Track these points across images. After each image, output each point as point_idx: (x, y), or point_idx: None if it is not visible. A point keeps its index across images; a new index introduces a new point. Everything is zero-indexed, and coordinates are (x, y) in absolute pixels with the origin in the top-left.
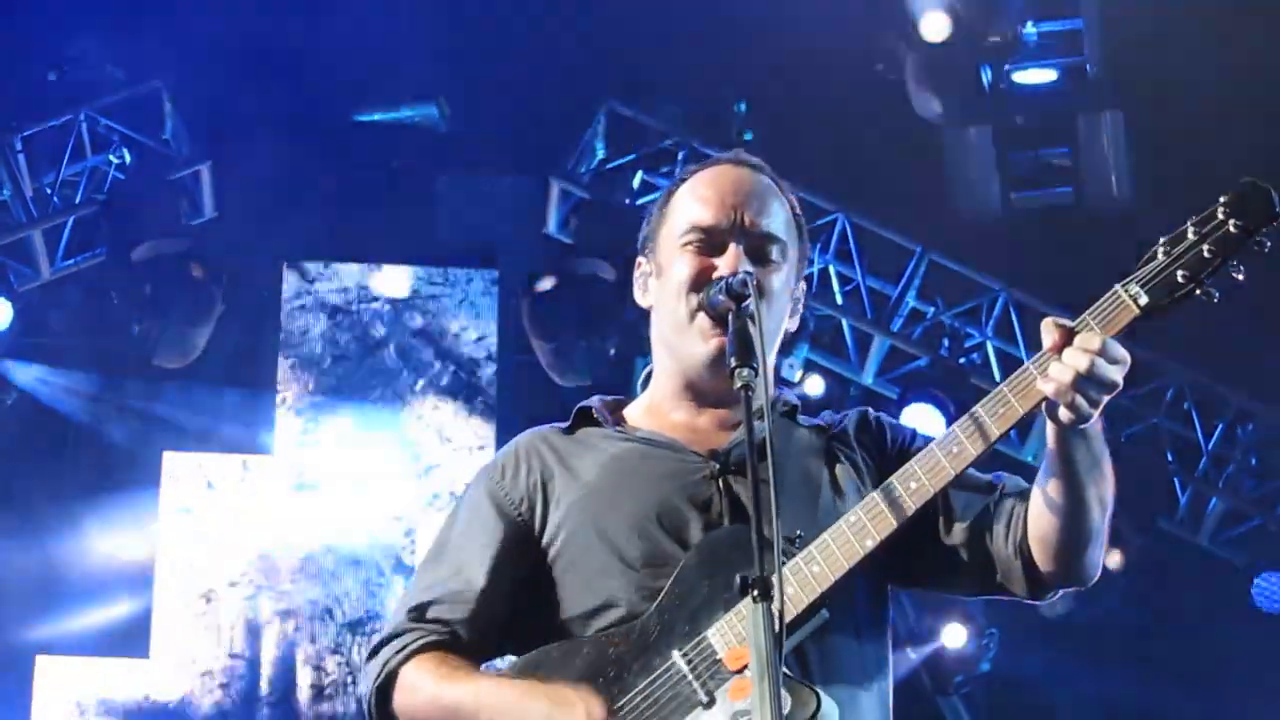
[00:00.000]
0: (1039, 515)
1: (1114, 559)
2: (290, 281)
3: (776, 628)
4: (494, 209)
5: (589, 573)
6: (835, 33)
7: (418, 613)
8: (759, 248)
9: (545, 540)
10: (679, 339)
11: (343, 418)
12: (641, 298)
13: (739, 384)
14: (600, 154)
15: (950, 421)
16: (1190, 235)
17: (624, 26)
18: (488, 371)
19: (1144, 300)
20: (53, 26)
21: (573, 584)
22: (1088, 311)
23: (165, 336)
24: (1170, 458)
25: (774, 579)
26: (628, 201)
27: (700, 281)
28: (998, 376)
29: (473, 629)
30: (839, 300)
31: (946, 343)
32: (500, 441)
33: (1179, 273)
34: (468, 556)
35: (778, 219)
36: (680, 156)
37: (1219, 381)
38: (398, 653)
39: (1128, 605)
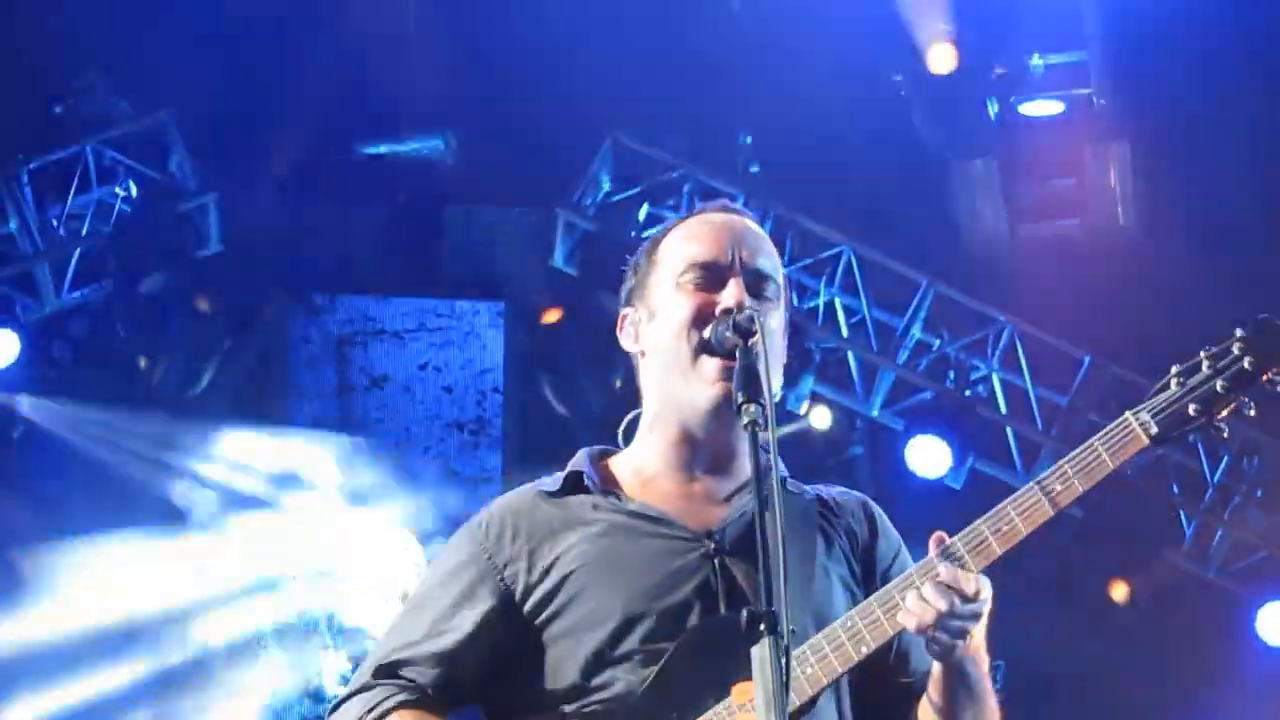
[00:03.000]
0: None
1: (1120, 591)
2: (296, 314)
3: (783, 662)
4: (500, 241)
5: (576, 651)
6: (841, 64)
7: (388, 670)
8: (756, 285)
9: (529, 610)
10: (679, 383)
11: (349, 450)
12: (631, 344)
13: (746, 420)
14: (606, 186)
15: (956, 454)
16: (1204, 368)
17: (629, 59)
18: (494, 403)
19: (1154, 431)
20: (59, 59)
21: (557, 660)
22: (1096, 437)
23: (171, 369)
24: (1176, 489)
25: (781, 613)
26: (633, 234)
27: (703, 318)
28: (1003, 408)
29: (442, 694)
30: (845, 332)
31: (952, 374)
32: (506, 474)
33: (1191, 406)
34: (445, 617)
35: (771, 259)
36: (686, 189)
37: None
38: (368, 711)
39: (1134, 636)
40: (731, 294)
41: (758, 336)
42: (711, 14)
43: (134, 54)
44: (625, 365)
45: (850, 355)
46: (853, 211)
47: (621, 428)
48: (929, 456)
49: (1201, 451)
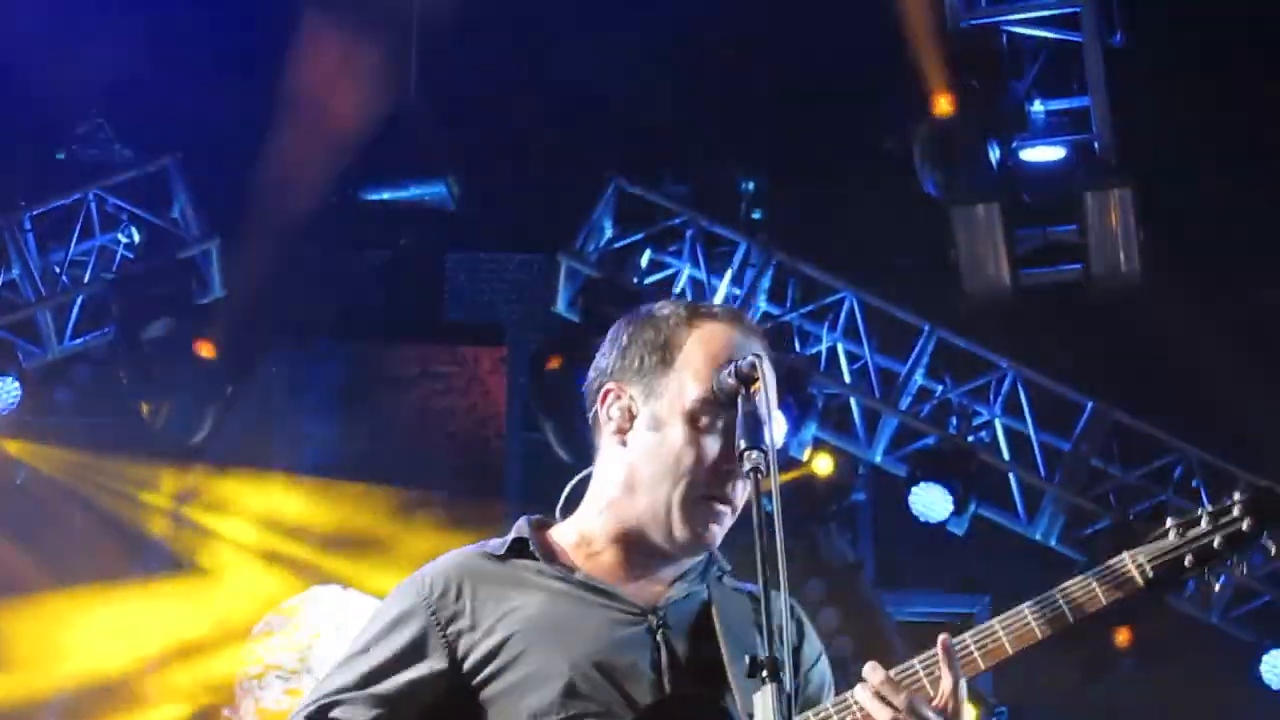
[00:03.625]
0: None
1: (1122, 636)
2: (298, 361)
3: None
4: (502, 287)
5: (515, 711)
6: (843, 110)
7: (319, 713)
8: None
9: (469, 668)
10: (664, 510)
11: (349, 496)
12: (611, 425)
13: (748, 466)
14: (608, 232)
15: (959, 499)
16: (1204, 523)
17: (632, 105)
18: (497, 450)
19: (1150, 574)
20: (61, 105)
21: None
22: (1093, 573)
23: (173, 416)
24: None
25: (782, 657)
26: (636, 280)
27: (715, 470)
28: (1006, 454)
29: None
30: (847, 378)
31: (955, 420)
32: (508, 520)
33: (1188, 557)
34: (384, 669)
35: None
36: (689, 235)
37: (1227, 459)
38: None
39: (1136, 682)
40: (741, 465)
41: (759, 383)
42: (714, 60)
43: (136, 101)
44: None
45: (853, 401)
46: (855, 258)
47: (564, 496)
48: (931, 502)
49: (1205, 497)
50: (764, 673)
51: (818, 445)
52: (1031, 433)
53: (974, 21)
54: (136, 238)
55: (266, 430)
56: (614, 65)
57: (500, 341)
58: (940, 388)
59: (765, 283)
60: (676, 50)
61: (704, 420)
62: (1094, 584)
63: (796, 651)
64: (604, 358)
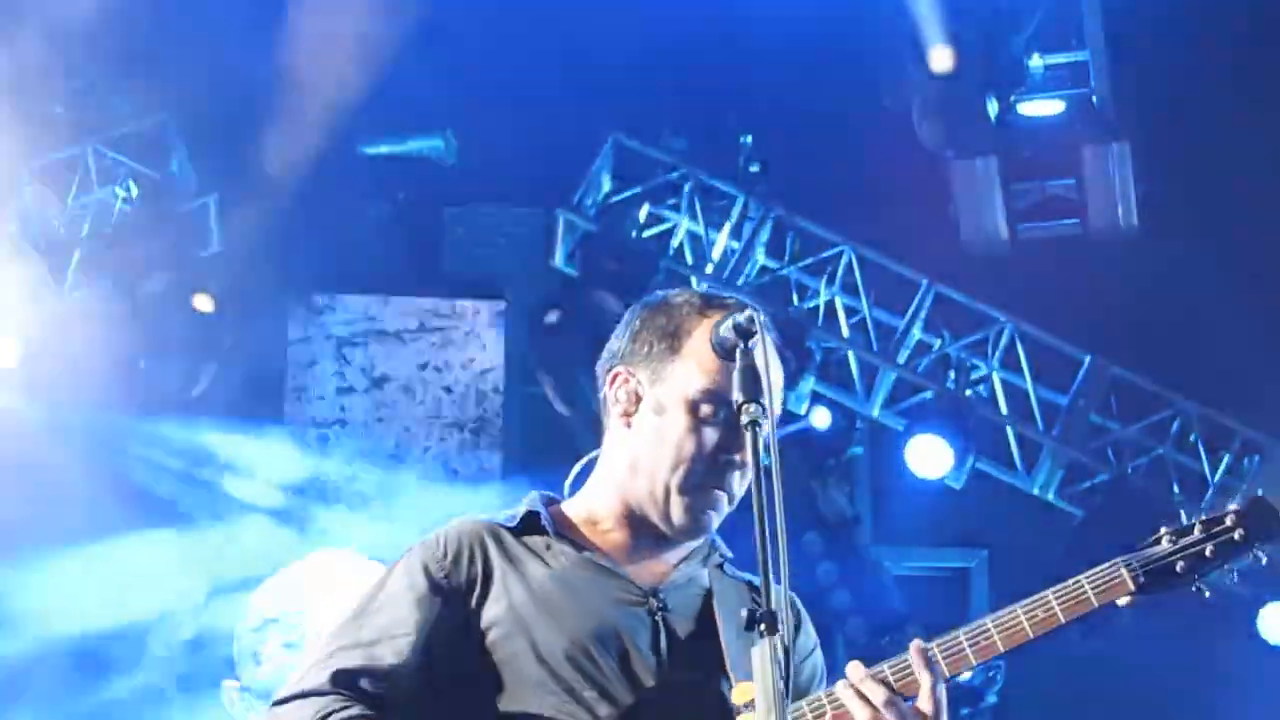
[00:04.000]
0: None
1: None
2: (297, 314)
3: (783, 660)
4: (500, 242)
5: (520, 681)
6: (841, 65)
7: (345, 679)
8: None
9: (477, 633)
10: (663, 493)
11: (348, 450)
12: (618, 410)
13: (747, 420)
14: (607, 187)
15: (957, 453)
16: (1197, 532)
17: (630, 59)
18: (494, 404)
19: (1141, 580)
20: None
21: (501, 687)
22: (1085, 575)
23: (172, 369)
24: (1176, 489)
25: (779, 612)
26: (634, 234)
27: (714, 459)
28: (1004, 409)
29: (393, 709)
30: (845, 332)
31: (953, 375)
32: (506, 473)
33: (1179, 563)
34: (396, 626)
35: (780, 397)
36: (686, 189)
37: (1225, 413)
38: (322, 716)
39: (1134, 637)
40: (742, 455)
41: (758, 336)
42: (711, 13)
43: (134, 54)
44: None
45: (851, 355)
46: (853, 212)
47: (571, 475)
48: (929, 456)
49: (1202, 451)
50: (762, 626)
51: (815, 399)
52: (1030, 387)
53: None
54: (135, 192)
55: (264, 384)
56: (613, 18)
57: (498, 295)
58: (938, 342)
59: (763, 236)
60: (674, 2)
61: (705, 409)
62: (1086, 586)
63: (794, 637)
64: (616, 340)
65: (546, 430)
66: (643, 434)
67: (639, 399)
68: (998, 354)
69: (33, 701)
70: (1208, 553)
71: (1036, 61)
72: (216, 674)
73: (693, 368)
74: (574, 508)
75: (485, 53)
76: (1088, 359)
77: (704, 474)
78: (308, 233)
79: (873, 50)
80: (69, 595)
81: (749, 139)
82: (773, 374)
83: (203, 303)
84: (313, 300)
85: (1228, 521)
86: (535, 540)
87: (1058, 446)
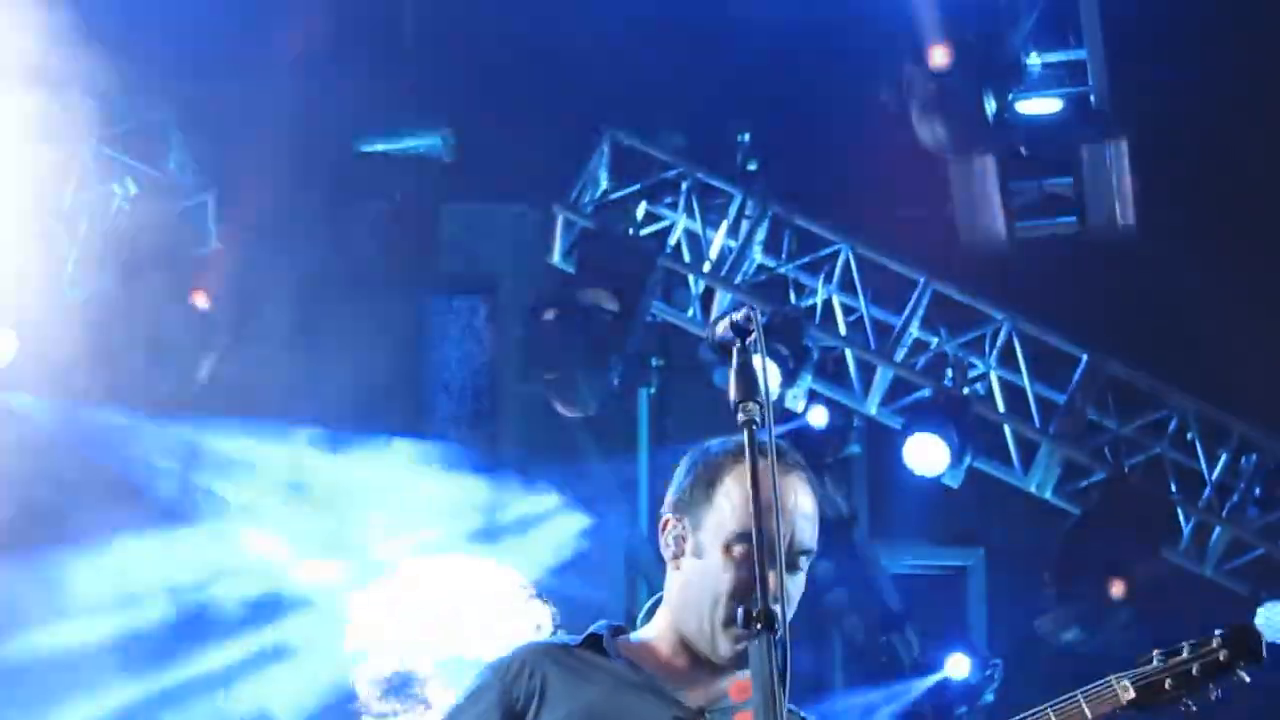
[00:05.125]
0: None
1: (1118, 588)
2: (294, 312)
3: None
4: (497, 239)
5: None
6: (839, 62)
7: None
8: (796, 564)
9: None
10: (705, 628)
11: (346, 445)
12: (669, 553)
13: (743, 418)
14: (604, 184)
15: (954, 451)
16: (1185, 653)
17: (628, 57)
18: (490, 401)
19: (1131, 695)
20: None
21: None
22: (1081, 690)
23: (170, 366)
24: (1174, 487)
25: (776, 610)
26: (631, 232)
27: (742, 594)
28: (1001, 406)
29: None
30: (842, 330)
31: (950, 373)
32: (502, 469)
33: (1168, 680)
34: None
35: (815, 531)
36: (684, 186)
37: (1222, 411)
38: None
39: (1131, 635)
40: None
41: (754, 335)
42: (709, 11)
43: (133, 52)
44: (621, 363)
45: (848, 353)
46: (850, 210)
47: (642, 612)
48: (927, 454)
49: (1200, 449)
50: (759, 624)
51: (813, 398)
52: (1027, 385)
53: None
54: (133, 189)
55: (262, 381)
56: (609, 15)
57: (495, 293)
58: (936, 340)
59: (760, 235)
60: (673, 1)
61: (738, 550)
62: (1081, 701)
63: None
64: (669, 489)
65: (542, 427)
66: (688, 575)
67: (684, 543)
68: (995, 352)
69: None
70: (1195, 672)
71: (1034, 60)
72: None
73: (726, 513)
74: (636, 638)
75: (482, 50)
76: (1085, 357)
77: (736, 612)
78: (305, 230)
79: (870, 48)
80: (67, 592)
81: (746, 137)
82: (801, 500)
83: (201, 300)
84: (309, 297)
85: (1214, 644)
86: (596, 659)
87: (1055, 445)
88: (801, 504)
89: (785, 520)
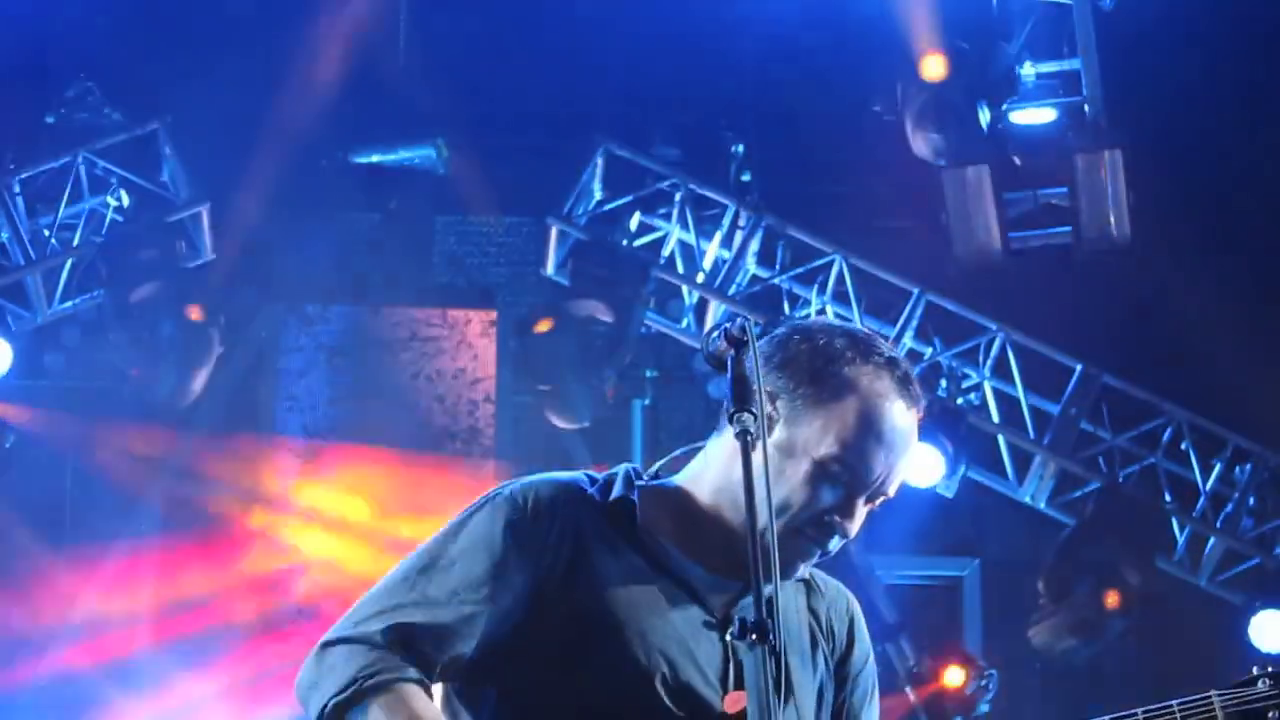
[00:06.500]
0: None
1: (1112, 599)
2: (288, 323)
3: (774, 669)
4: (492, 250)
5: (582, 678)
6: (833, 73)
7: (402, 634)
8: (875, 502)
9: (548, 614)
10: (768, 528)
11: (341, 460)
12: (752, 423)
13: (738, 429)
14: (598, 195)
15: (949, 462)
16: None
17: (621, 68)
18: (486, 413)
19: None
20: (51, 69)
21: (562, 677)
22: (1177, 701)
23: (163, 379)
24: (1168, 497)
25: (769, 622)
26: (625, 243)
27: (822, 517)
28: (995, 417)
29: (446, 671)
30: None
31: (944, 383)
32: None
33: (1271, 712)
34: (466, 589)
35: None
36: (678, 198)
37: (1217, 421)
38: (369, 674)
39: (1126, 645)
40: (850, 525)
41: (749, 346)
42: (703, 23)
43: (126, 64)
44: (617, 374)
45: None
46: (844, 220)
47: (670, 456)
48: (921, 465)
49: (1194, 459)
50: (753, 635)
51: None
52: (1021, 395)
53: None
54: (126, 201)
55: (255, 393)
56: (603, 27)
57: (490, 304)
58: (930, 350)
59: (754, 245)
60: (666, 12)
61: (833, 469)
62: (1176, 711)
63: (844, 658)
64: (763, 358)
65: (539, 439)
66: (774, 465)
67: (770, 426)
68: (989, 362)
69: None
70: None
71: (1028, 70)
72: None
73: (832, 431)
74: (667, 497)
75: (476, 61)
76: (1079, 367)
77: (806, 525)
78: (298, 242)
79: (864, 59)
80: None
81: (740, 148)
82: (913, 445)
83: (194, 312)
84: (303, 310)
85: None
86: (626, 531)
87: (1049, 455)
88: (911, 449)
89: (893, 460)
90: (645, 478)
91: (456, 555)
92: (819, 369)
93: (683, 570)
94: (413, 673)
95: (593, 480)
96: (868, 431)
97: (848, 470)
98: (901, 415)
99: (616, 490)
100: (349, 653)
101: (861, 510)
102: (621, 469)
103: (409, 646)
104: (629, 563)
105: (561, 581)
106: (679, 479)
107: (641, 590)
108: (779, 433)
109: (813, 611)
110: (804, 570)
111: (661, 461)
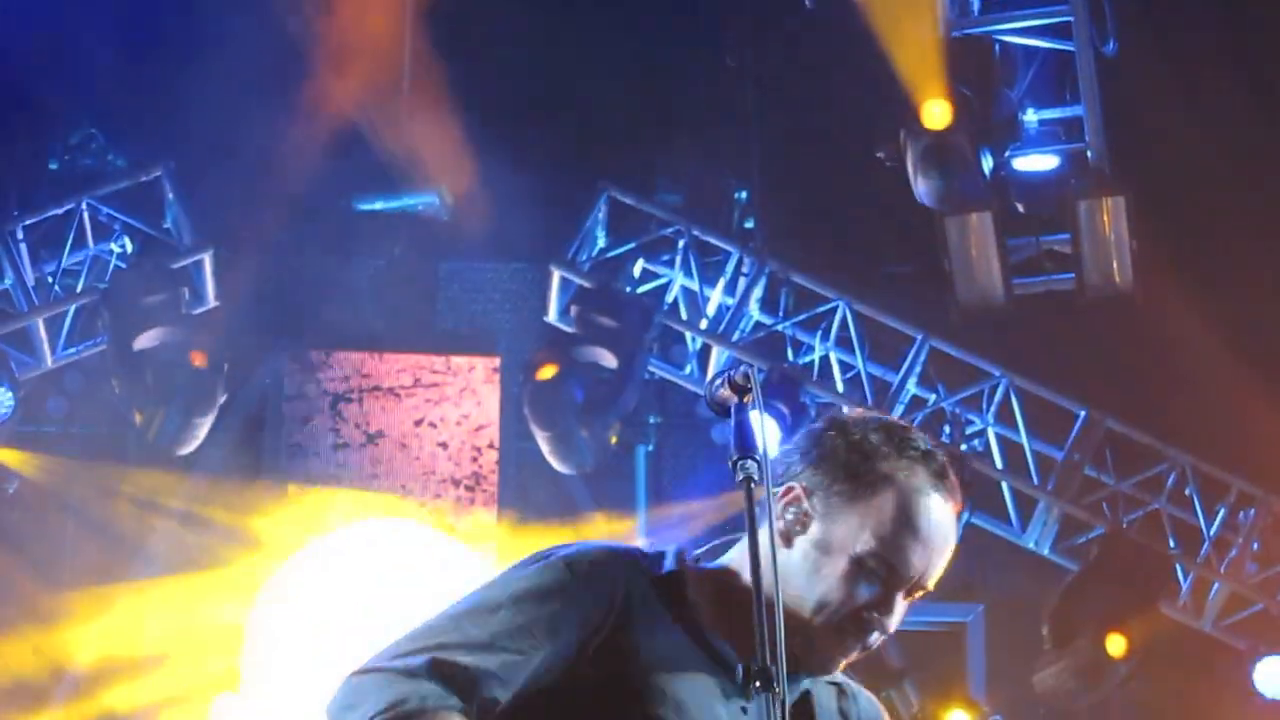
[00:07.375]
0: None
1: (1116, 644)
2: (292, 370)
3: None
4: (495, 297)
5: None
6: (834, 120)
7: (441, 671)
8: (914, 596)
9: (590, 678)
10: (798, 627)
11: (344, 506)
12: (781, 533)
13: (741, 476)
14: (601, 242)
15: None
16: None
17: (624, 114)
18: (489, 459)
19: None
20: (54, 115)
21: None
22: None
23: (167, 425)
24: (1172, 542)
25: (774, 669)
26: (629, 289)
27: (859, 615)
28: (999, 463)
29: (478, 715)
30: (840, 388)
31: (948, 429)
32: (501, 529)
33: None
34: (509, 639)
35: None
36: (681, 244)
37: (1220, 466)
38: (411, 704)
39: (1130, 691)
40: (889, 621)
41: (752, 394)
42: (706, 70)
43: (129, 110)
44: (620, 421)
45: (845, 410)
46: (848, 266)
47: (716, 542)
48: None
49: (1198, 504)
50: (757, 683)
51: None
52: (1025, 441)
53: (967, 31)
54: (129, 247)
55: (259, 440)
56: (607, 74)
57: (493, 351)
58: (933, 396)
59: (758, 292)
60: (668, 59)
61: (870, 565)
62: None
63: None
64: (798, 453)
65: (542, 486)
66: (799, 561)
67: (804, 525)
68: (993, 408)
69: None
70: None
71: (1031, 116)
72: None
73: (870, 528)
74: (712, 577)
75: (479, 108)
76: (1083, 413)
77: (846, 622)
78: (302, 289)
79: (867, 106)
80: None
81: (743, 194)
82: (951, 540)
83: (198, 358)
84: (307, 357)
85: None
86: (668, 603)
87: (1053, 500)
88: (950, 543)
89: (931, 554)
90: (695, 556)
91: (504, 603)
92: (855, 465)
93: (720, 649)
94: (457, 702)
95: (644, 553)
96: (905, 527)
97: (885, 566)
98: (939, 509)
99: (667, 565)
100: (388, 679)
101: (901, 606)
102: (672, 546)
103: (449, 682)
104: (671, 636)
105: (605, 644)
106: (725, 559)
107: (681, 663)
108: (815, 529)
109: (843, 714)
110: (843, 664)
111: (714, 543)
